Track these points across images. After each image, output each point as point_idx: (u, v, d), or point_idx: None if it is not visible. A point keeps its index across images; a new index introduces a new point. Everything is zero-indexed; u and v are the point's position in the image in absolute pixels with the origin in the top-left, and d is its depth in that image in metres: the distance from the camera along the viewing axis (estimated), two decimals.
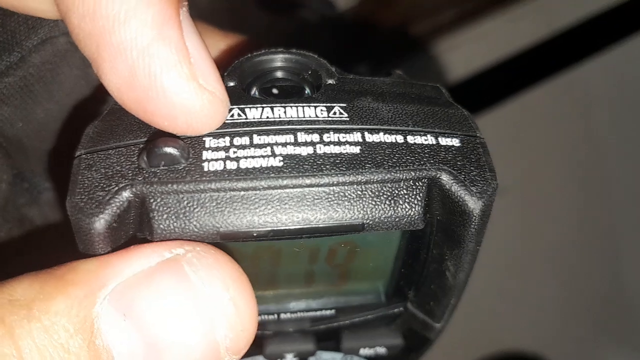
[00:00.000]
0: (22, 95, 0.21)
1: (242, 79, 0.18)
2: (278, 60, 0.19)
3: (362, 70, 0.64)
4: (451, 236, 0.18)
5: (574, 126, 0.74)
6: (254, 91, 0.18)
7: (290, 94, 0.18)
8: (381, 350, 0.22)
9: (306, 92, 0.19)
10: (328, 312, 0.22)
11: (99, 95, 0.21)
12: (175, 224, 0.16)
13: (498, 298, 0.70)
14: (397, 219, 0.17)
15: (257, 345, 0.22)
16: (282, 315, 0.22)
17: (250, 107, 0.17)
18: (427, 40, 0.69)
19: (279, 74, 0.19)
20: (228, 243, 0.17)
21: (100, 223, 0.15)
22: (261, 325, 0.22)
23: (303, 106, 0.17)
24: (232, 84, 0.18)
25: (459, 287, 0.19)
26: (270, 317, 0.22)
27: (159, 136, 0.16)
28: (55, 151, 0.22)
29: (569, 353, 0.71)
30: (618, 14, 0.75)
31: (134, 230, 0.16)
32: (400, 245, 0.19)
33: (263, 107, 0.17)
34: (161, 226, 0.16)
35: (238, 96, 0.17)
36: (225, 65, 0.18)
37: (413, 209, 0.17)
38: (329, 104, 0.18)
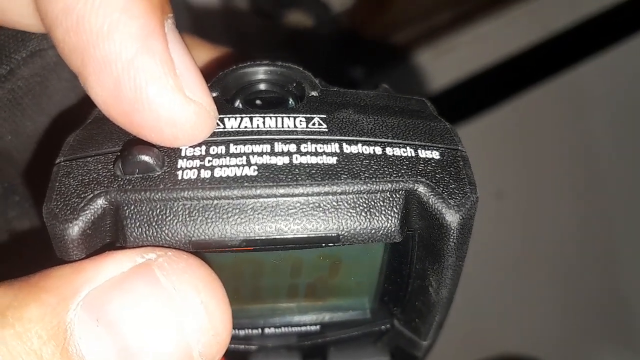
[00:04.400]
0: (11, 107, 0.21)
1: (225, 91, 0.19)
2: (262, 72, 0.19)
3: (356, 74, 0.64)
4: (431, 251, 0.17)
5: (570, 128, 0.74)
6: (237, 103, 0.19)
7: (272, 105, 0.18)
8: None
9: (289, 103, 0.19)
10: (313, 328, 0.22)
11: (89, 107, 0.21)
12: (147, 232, 0.16)
13: (496, 301, 0.70)
14: (373, 231, 0.16)
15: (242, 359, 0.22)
16: (267, 330, 0.21)
17: (229, 117, 0.17)
18: (421, 43, 0.69)
19: (262, 86, 0.19)
20: (207, 254, 0.17)
21: (74, 230, 0.15)
22: (246, 339, 0.22)
23: (282, 117, 0.17)
24: (215, 94, 0.18)
25: (442, 303, 0.19)
26: (255, 331, 0.21)
27: (135, 144, 0.16)
28: (46, 163, 0.22)
29: (567, 356, 0.71)
30: (613, 16, 0.75)
31: (110, 237, 0.16)
32: (383, 259, 0.19)
33: (242, 117, 0.17)
34: (134, 234, 0.16)
35: (220, 107, 0.17)
36: (210, 77, 0.18)
37: (390, 221, 0.16)
38: (308, 115, 0.18)
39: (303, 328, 0.22)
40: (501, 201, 0.71)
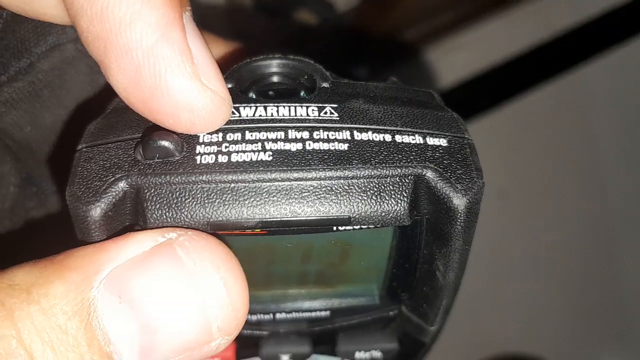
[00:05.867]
0: (31, 99, 0.21)
1: (239, 82, 0.19)
2: (275, 65, 0.20)
3: (361, 72, 0.64)
4: (439, 235, 0.18)
5: (573, 128, 0.74)
6: (251, 94, 0.19)
7: (285, 96, 0.19)
8: (377, 354, 0.23)
9: (301, 94, 0.19)
10: (323, 314, 0.22)
11: (105, 100, 0.21)
12: (167, 213, 0.17)
13: (497, 300, 0.71)
14: (383, 214, 0.17)
15: (254, 346, 0.22)
16: (278, 316, 0.22)
17: (244, 106, 0.18)
18: (425, 42, 0.70)
19: (276, 79, 0.20)
20: (223, 239, 0.17)
21: (96, 211, 0.16)
22: (257, 325, 0.22)
23: (295, 106, 0.18)
24: (229, 86, 0.19)
25: (449, 287, 0.19)
26: (267, 316, 0.22)
27: (155, 130, 0.17)
28: (63, 155, 0.23)
29: (568, 354, 0.71)
30: (617, 16, 0.75)
31: (130, 220, 0.17)
32: (392, 245, 0.20)
33: (257, 107, 0.18)
34: (154, 215, 0.17)
35: (234, 97, 0.18)
36: (224, 70, 0.19)
37: (399, 205, 0.17)
38: (320, 105, 0.18)
39: (313, 314, 0.22)
40: (503, 201, 0.71)
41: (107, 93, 0.22)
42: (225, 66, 0.20)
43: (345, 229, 0.18)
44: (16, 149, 0.22)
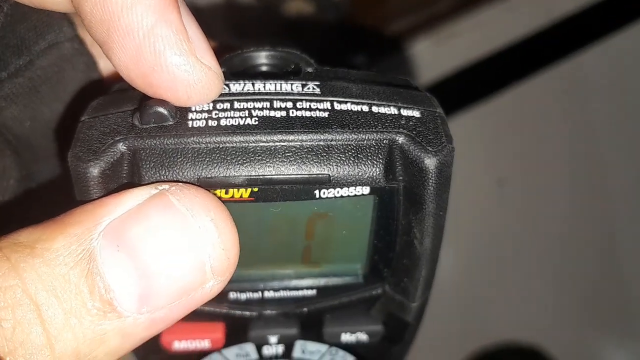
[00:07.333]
0: (30, 95, 0.22)
1: (231, 69, 0.21)
2: (264, 56, 0.22)
3: (357, 61, 0.65)
4: (414, 200, 0.20)
5: (572, 116, 0.74)
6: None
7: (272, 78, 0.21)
8: (362, 336, 0.24)
9: None
10: (309, 293, 0.23)
11: (101, 94, 0.22)
12: (161, 171, 0.18)
13: (495, 289, 0.71)
14: (360, 174, 0.19)
15: (243, 329, 0.23)
16: (266, 294, 0.23)
17: (233, 83, 0.20)
18: (422, 30, 0.70)
19: (265, 68, 0.22)
20: None
21: (95, 169, 0.18)
22: (246, 304, 0.23)
23: (281, 82, 0.20)
24: (222, 70, 0.20)
25: (426, 255, 0.21)
26: (255, 295, 0.23)
27: (150, 99, 0.19)
28: (61, 151, 0.24)
29: (566, 344, 0.71)
30: (618, 2, 0.74)
31: (126, 180, 0.19)
32: (372, 216, 0.21)
33: (245, 83, 0.20)
34: (149, 174, 0.18)
35: (226, 78, 0.20)
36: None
37: (374, 167, 0.19)
38: (304, 82, 0.20)
39: (300, 292, 0.23)
40: (502, 189, 0.72)
41: (102, 88, 0.23)
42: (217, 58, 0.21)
43: (327, 197, 0.19)
44: (16, 144, 0.23)
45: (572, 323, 0.72)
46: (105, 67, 0.24)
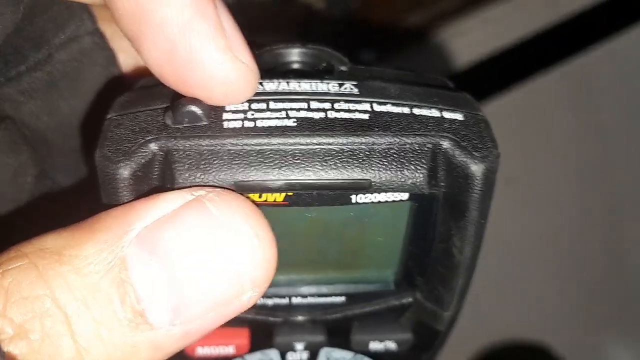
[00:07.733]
0: (49, 89, 0.21)
1: (262, 66, 0.20)
2: (295, 54, 0.21)
3: (368, 56, 0.64)
4: (456, 207, 0.19)
5: (581, 113, 0.74)
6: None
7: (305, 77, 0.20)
8: (391, 345, 0.23)
9: None
10: (338, 300, 0.22)
11: (121, 91, 0.21)
12: (195, 174, 0.17)
13: (503, 287, 0.71)
14: (402, 180, 0.18)
15: (268, 333, 0.23)
16: (294, 300, 0.22)
17: (267, 82, 0.19)
18: (432, 26, 0.69)
19: (296, 66, 0.21)
20: None
21: (125, 170, 0.17)
22: (272, 310, 0.22)
23: (316, 82, 0.19)
24: None
25: (465, 264, 0.20)
26: (283, 300, 0.22)
27: (182, 97, 0.18)
28: (77, 149, 0.23)
29: (572, 342, 0.71)
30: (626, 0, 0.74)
31: (157, 182, 0.18)
32: (408, 222, 0.20)
33: (279, 82, 0.19)
34: (182, 176, 0.17)
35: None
36: None
37: (417, 172, 0.18)
38: (340, 82, 0.19)
39: (329, 299, 0.22)
40: (510, 186, 0.71)
41: (123, 85, 0.22)
42: None
43: (363, 202, 0.18)
44: (33, 140, 0.22)
45: (579, 322, 0.72)
46: (124, 62, 0.23)
